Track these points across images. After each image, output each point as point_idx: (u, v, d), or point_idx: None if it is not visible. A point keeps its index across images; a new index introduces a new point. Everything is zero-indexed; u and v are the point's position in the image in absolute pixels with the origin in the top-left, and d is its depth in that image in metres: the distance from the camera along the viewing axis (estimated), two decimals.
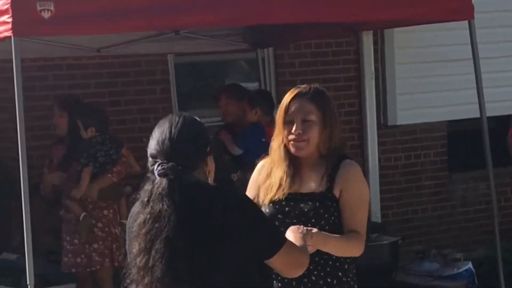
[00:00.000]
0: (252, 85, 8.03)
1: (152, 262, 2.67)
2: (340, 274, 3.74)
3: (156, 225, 2.69)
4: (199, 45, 7.47)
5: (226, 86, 7.54)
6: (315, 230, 3.48)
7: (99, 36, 6.05)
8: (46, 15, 4.56)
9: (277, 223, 3.67)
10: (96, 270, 6.15)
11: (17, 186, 4.84)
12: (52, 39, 6.20)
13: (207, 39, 7.27)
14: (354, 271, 3.83)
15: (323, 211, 3.68)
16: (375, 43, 8.76)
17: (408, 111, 8.81)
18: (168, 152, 2.81)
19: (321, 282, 3.71)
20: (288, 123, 3.69)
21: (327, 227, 3.66)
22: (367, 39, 8.62)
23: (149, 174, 2.85)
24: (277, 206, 3.73)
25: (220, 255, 2.72)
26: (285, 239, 2.96)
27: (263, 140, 6.02)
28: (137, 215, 2.79)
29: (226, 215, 2.75)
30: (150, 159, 2.87)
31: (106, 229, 6.16)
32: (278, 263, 2.90)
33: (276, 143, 3.77)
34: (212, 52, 7.94)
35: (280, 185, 3.73)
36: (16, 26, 4.58)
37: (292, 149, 3.71)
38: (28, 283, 4.93)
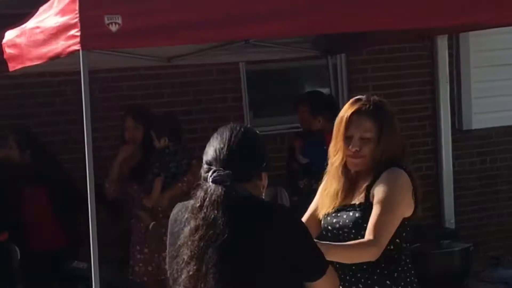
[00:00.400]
0: (323, 92, 7.98)
1: (205, 269, 2.64)
2: (388, 282, 3.68)
3: (210, 232, 2.65)
4: (270, 53, 7.46)
5: (305, 94, 7.53)
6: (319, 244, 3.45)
7: (170, 46, 6.09)
8: (113, 28, 4.61)
9: (328, 234, 3.73)
10: (166, 279, 6.18)
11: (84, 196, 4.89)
12: (124, 50, 6.26)
13: (277, 47, 7.26)
14: (409, 279, 3.74)
15: (361, 221, 3.65)
16: (449, 47, 8.65)
17: (483, 115, 8.68)
18: (224, 160, 2.78)
19: None
20: (346, 138, 3.71)
21: None
22: (442, 43, 8.53)
23: (201, 181, 2.82)
24: (328, 218, 3.77)
25: (266, 271, 2.69)
26: (328, 263, 2.95)
27: (324, 148, 5.99)
28: (187, 221, 2.74)
29: (276, 234, 2.73)
30: (205, 165, 2.84)
31: None
32: (320, 286, 2.87)
33: (335, 158, 3.78)
34: (283, 60, 7.92)
35: (334, 199, 3.75)
36: (84, 40, 4.63)
37: (349, 165, 3.74)
38: None
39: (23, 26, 5.79)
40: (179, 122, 6.68)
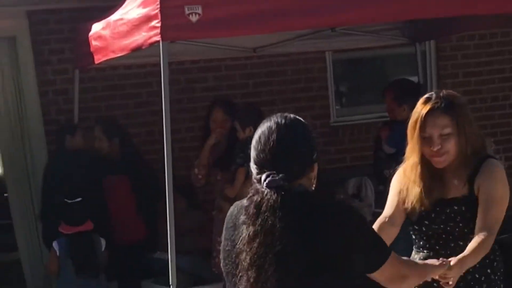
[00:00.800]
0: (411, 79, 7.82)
1: (265, 277, 2.59)
2: (489, 271, 3.76)
3: (269, 238, 2.59)
4: (356, 41, 7.36)
5: (392, 81, 7.38)
6: (452, 262, 3.40)
7: (255, 36, 6.06)
8: (193, 18, 4.60)
9: (424, 228, 3.75)
10: None
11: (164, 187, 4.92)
12: (209, 40, 6.26)
13: (364, 34, 7.14)
14: (502, 270, 3.83)
15: (469, 214, 3.66)
16: None
17: None
18: (276, 160, 2.68)
19: (469, 277, 3.70)
20: (425, 139, 3.70)
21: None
22: None
23: (254, 181, 2.74)
24: (422, 213, 3.75)
25: (329, 267, 2.63)
26: (391, 251, 2.85)
27: None
28: (243, 226, 2.69)
29: (334, 227, 2.65)
30: (254, 165, 2.77)
31: None
32: (381, 276, 2.80)
33: (412, 159, 3.78)
34: (370, 48, 7.80)
35: (424, 198, 3.73)
36: (164, 31, 4.64)
37: (435, 164, 3.73)
38: (170, 282, 5.03)
39: (108, 18, 5.85)
40: (263, 113, 6.63)
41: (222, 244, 2.86)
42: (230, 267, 2.75)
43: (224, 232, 2.87)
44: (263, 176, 2.66)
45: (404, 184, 3.81)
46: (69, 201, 6.31)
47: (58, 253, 6.25)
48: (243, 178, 6.06)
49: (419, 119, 3.69)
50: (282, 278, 2.58)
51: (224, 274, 2.83)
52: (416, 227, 3.79)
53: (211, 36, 5.43)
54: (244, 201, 2.76)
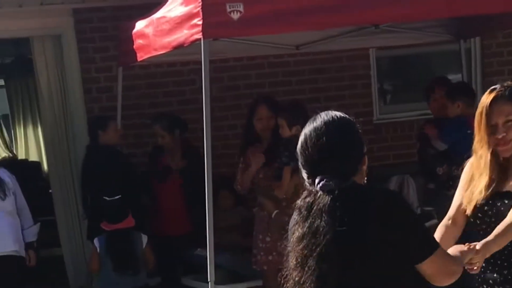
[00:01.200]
0: (454, 77, 7.75)
1: (304, 278, 2.63)
2: None
3: (312, 241, 2.63)
4: (401, 38, 7.29)
5: (441, 78, 7.32)
6: (478, 246, 3.36)
7: (297, 33, 6.04)
8: (235, 16, 4.60)
9: (478, 221, 3.68)
10: None
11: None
12: (251, 38, 6.25)
13: (408, 31, 7.07)
14: None
15: None
16: None
17: None
18: (327, 163, 2.69)
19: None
20: (491, 127, 3.64)
21: None
22: None
23: (307, 184, 2.74)
24: (477, 206, 3.69)
25: (374, 263, 2.64)
26: (438, 245, 2.84)
27: (468, 132, 5.79)
28: (295, 227, 2.72)
29: (383, 219, 2.66)
30: (305, 167, 2.77)
31: None
32: (428, 268, 2.78)
33: (481, 151, 3.70)
34: (414, 45, 7.73)
35: (484, 190, 3.68)
36: (205, 29, 4.65)
37: (500, 153, 3.67)
38: (209, 279, 5.04)
39: (151, 16, 5.87)
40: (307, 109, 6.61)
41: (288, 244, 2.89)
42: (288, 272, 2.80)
43: (289, 233, 2.90)
44: (316, 180, 2.69)
45: (471, 176, 3.76)
46: (108, 199, 6.35)
47: (98, 250, 6.29)
48: (289, 177, 6.04)
49: (484, 108, 3.64)
50: (319, 281, 2.61)
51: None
52: (471, 220, 3.74)
53: (252, 34, 5.42)
54: (298, 202, 2.78)
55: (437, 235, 3.67)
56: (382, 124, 8.21)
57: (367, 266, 2.64)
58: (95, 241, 6.30)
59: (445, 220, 3.79)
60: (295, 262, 2.67)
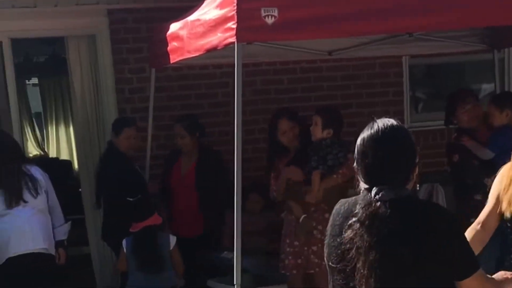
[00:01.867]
0: (487, 87, 7.72)
1: (353, 280, 2.75)
2: None
3: (383, 247, 2.71)
4: (434, 47, 7.26)
5: (465, 91, 7.28)
6: None
7: (331, 39, 6.04)
8: (269, 21, 4.61)
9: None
10: (315, 272, 6.14)
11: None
12: (284, 43, 6.26)
13: (442, 40, 7.05)
14: None
15: None
16: None
17: None
18: (384, 172, 2.79)
19: None
20: None
21: None
22: None
23: (363, 188, 2.79)
24: None
25: (422, 273, 2.72)
26: (479, 266, 2.89)
27: None
28: (347, 229, 2.77)
29: (435, 233, 2.74)
30: (363, 176, 2.82)
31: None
32: (468, 286, 2.84)
33: None
34: (447, 53, 7.70)
35: None
36: (239, 33, 4.66)
37: None
38: (235, 282, 5.04)
39: (186, 18, 5.89)
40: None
41: (326, 240, 2.97)
42: (335, 263, 2.86)
43: (330, 228, 2.97)
44: (374, 190, 2.77)
45: (507, 179, 3.79)
46: (131, 199, 6.37)
47: (125, 251, 6.30)
48: (318, 182, 6.04)
49: None
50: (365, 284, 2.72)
51: (328, 269, 2.95)
52: (509, 225, 3.77)
53: (285, 39, 5.43)
54: (351, 205, 2.86)
55: None
56: (413, 132, 8.15)
57: (415, 275, 2.72)
58: (123, 242, 6.31)
59: (475, 224, 3.79)
60: (368, 270, 2.73)
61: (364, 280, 2.74)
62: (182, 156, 7.07)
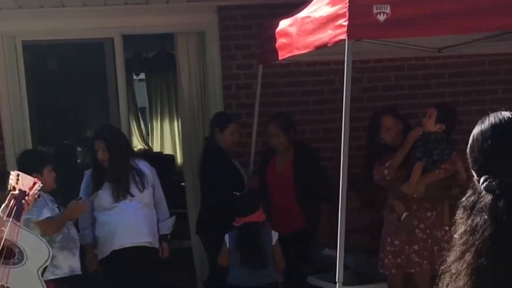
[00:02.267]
0: None
1: (460, 270, 2.67)
2: None
3: (471, 237, 2.64)
4: None
5: None
6: None
7: (441, 36, 5.94)
8: (381, 18, 4.58)
9: None
10: (415, 272, 6.06)
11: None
12: (394, 40, 6.20)
13: None
14: None
15: None
16: None
17: None
18: (492, 165, 2.70)
19: None
20: None
21: None
22: None
23: (475, 180, 2.77)
24: None
25: None
26: None
27: None
28: (458, 225, 2.75)
29: None
30: (472, 167, 2.78)
31: (428, 231, 6.01)
32: None
33: None
34: None
35: None
36: (351, 30, 4.65)
37: None
38: (337, 279, 5.04)
39: (296, 15, 5.90)
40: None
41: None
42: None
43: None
44: (481, 179, 2.70)
45: None
46: (238, 194, 6.41)
47: (228, 246, 6.32)
48: (419, 173, 5.96)
49: None
50: (473, 275, 2.63)
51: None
52: None
53: (397, 36, 5.38)
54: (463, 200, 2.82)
55: None
56: None
57: None
58: (226, 237, 6.35)
59: None
60: (454, 257, 2.72)
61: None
62: (277, 155, 7.08)
